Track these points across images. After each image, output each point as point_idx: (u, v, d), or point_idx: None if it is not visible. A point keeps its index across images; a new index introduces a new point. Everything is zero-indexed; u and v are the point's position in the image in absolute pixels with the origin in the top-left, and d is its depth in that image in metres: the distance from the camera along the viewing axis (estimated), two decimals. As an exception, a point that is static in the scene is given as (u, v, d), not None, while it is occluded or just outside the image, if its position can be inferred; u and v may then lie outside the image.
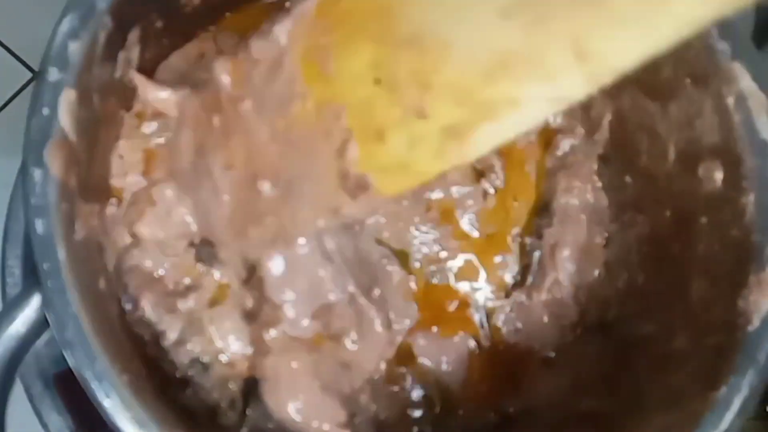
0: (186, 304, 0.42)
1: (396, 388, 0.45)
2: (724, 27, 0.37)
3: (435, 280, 0.47)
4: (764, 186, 0.37)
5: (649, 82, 0.41)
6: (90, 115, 0.36)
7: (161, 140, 0.43)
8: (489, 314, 0.47)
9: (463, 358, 0.46)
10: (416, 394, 0.46)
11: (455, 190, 0.48)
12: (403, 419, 0.45)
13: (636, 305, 0.45)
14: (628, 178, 0.46)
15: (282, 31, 0.39)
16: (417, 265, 0.47)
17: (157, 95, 0.42)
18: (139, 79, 0.42)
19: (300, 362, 0.42)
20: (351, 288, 0.43)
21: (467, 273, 0.47)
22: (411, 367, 0.46)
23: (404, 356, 0.46)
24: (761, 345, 0.36)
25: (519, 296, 0.47)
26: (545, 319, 0.47)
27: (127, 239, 0.42)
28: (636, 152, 0.45)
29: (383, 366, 0.45)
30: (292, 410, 0.41)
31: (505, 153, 0.48)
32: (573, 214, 0.47)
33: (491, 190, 0.48)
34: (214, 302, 0.43)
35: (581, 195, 0.47)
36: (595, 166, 0.48)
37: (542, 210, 0.48)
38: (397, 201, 0.45)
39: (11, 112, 0.75)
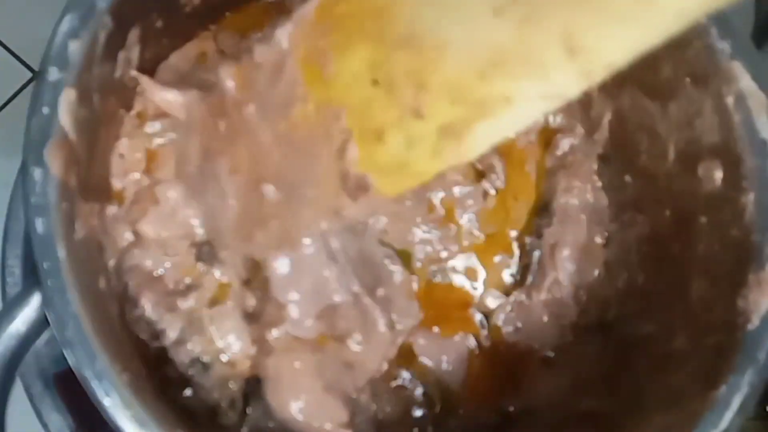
0: (186, 304, 0.42)
1: (396, 388, 0.45)
2: (724, 26, 0.37)
3: (436, 280, 0.47)
4: (764, 186, 0.37)
5: (649, 82, 0.41)
6: (90, 115, 0.36)
7: (162, 140, 0.43)
8: (489, 314, 0.47)
9: (463, 358, 0.46)
10: (416, 393, 0.46)
11: (457, 191, 0.48)
12: (403, 419, 0.45)
13: (636, 305, 0.45)
14: (627, 178, 0.46)
15: (283, 34, 0.39)
16: (419, 265, 0.47)
17: (164, 97, 0.42)
18: (145, 81, 0.42)
19: (303, 362, 0.42)
20: (355, 288, 0.43)
21: (468, 273, 0.48)
22: (411, 367, 0.46)
23: (404, 356, 0.46)
24: (761, 344, 0.36)
25: (519, 296, 0.47)
26: (545, 318, 0.47)
27: (128, 238, 0.42)
28: (636, 152, 0.45)
29: (385, 366, 0.45)
30: (294, 410, 0.41)
31: (506, 153, 0.48)
32: (573, 214, 0.47)
33: (492, 191, 0.48)
34: (214, 302, 0.43)
35: (581, 195, 0.47)
36: (595, 166, 0.48)
37: (542, 210, 0.48)
38: (399, 201, 0.46)
39: (11, 112, 0.75)
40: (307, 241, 0.42)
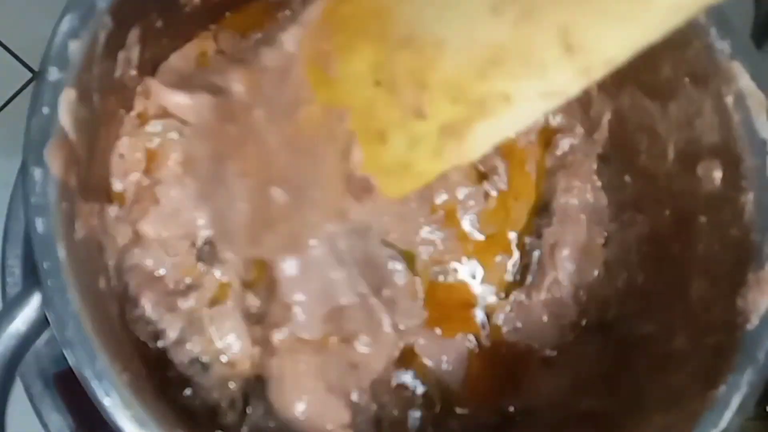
0: (186, 304, 0.42)
1: (397, 388, 0.45)
2: (724, 26, 0.38)
3: (439, 281, 0.47)
4: (763, 185, 0.37)
5: (649, 82, 0.41)
6: (90, 115, 0.36)
7: (165, 139, 0.44)
8: (489, 314, 0.47)
9: (463, 358, 0.46)
10: (417, 393, 0.46)
11: (459, 192, 0.48)
12: (404, 418, 0.45)
13: (635, 305, 0.45)
14: (627, 178, 0.46)
15: (290, 38, 0.40)
16: (422, 266, 0.47)
17: (173, 100, 0.42)
18: (154, 85, 0.42)
19: (306, 363, 0.42)
20: (362, 289, 0.43)
21: (469, 273, 0.48)
22: (412, 367, 0.46)
23: (405, 356, 0.46)
24: (760, 344, 0.36)
25: (519, 295, 0.47)
26: (545, 318, 0.47)
27: (129, 238, 0.42)
28: (635, 152, 0.45)
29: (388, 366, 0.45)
30: (297, 410, 0.41)
31: (508, 154, 0.48)
32: (573, 214, 0.47)
33: (494, 193, 0.48)
34: (214, 301, 0.43)
35: (581, 194, 0.47)
36: (595, 166, 0.48)
37: (542, 209, 0.48)
38: (403, 203, 0.46)
39: (11, 112, 0.75)
40: (313, 242, 0.42)
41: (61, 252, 0.33)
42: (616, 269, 0.46)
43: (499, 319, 0.47)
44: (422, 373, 0.46)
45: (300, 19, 0.40)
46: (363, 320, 0.43)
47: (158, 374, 0.42)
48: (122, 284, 0.41)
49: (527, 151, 0.49)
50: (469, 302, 0.47)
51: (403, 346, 0.45)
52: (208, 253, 0.43)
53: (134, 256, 0.42)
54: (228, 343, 0.43)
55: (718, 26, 0.38)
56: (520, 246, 0.48)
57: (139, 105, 0.43)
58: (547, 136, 0.49)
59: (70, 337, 0.32)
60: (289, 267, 0.42)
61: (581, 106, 0.47)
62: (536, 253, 0.48)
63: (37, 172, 0.33)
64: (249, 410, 0.43)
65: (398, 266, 0.46)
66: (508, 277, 0.48)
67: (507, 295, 0.47)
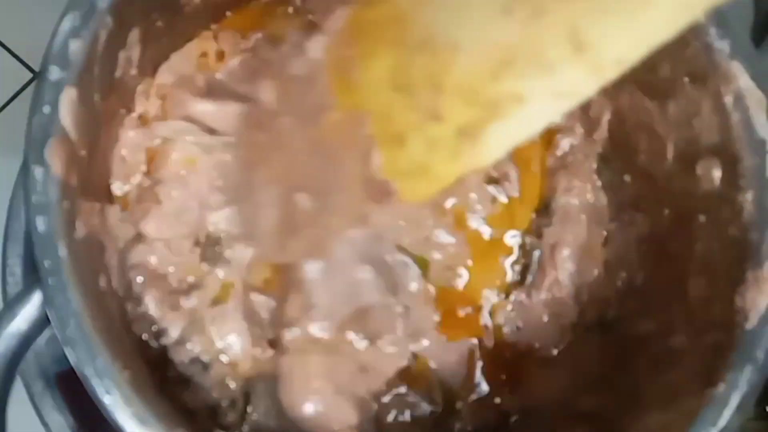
0: (189, 303, 0.43)
1: (399, 388, 0.45)
2: (723, 26, 0.38)
3: (450, 286, 0.47)
4: (762, 184, 0.37)
5: (648, 81, 0.41)
6: (91, 114, 0.36)
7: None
8: (492, 314, 0.47)
9: (465, 358, 0.46)
10: (419, 393, 0.46)
11: (469, 196, 0.48)
12: (405, 418, 0.45)
13: (635, 304, 0.45)
14: (627, 177, 0.46)
15: (316, 46, 0.40)
16: (434, 270, 0.47)
17: (201, 108, 0.43)
18: (182, 93, 0.42)
19: (316, 364, 0.42)
20: (380, 292, 0.44)
21: (480, 276, 0.48)
22: (415, 367, 0.46)
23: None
24: (759, 342, 0.36)
25: (519, 295, 0.47)
26: (545, 318, 0.47)
27: (131, 236, 0.42)
28: (635, 151, 0.45)
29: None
30: (306, 410, 0.42)
31: (518, 157, 0.48)
32: (573, 214, 0.47)
33: (504, 199, 0.48)
34: (216, 301, 0.44)
35: (581, 194, 0.47)
36: (595, 165, 0.48)
37: (542, 209, 0.48)
38: (415, 207, 0.46)
39: (11, 113, 0.75)
40: (336, 247, 0.43)
41: (62, 251, 0.33)
42: (616, 269, 0.46)
43: (501, 318, 0.47)
44: (425, 374, 0.46)
45: (325, 28, 0.40)
46: (383, 322, 0.44)
47: (158, 373, 0.42)
48: (125, 282, 0.41)
49: (531, 152, 0.49)
50: (478, 306, 0.47)
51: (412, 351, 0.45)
52: (212, 253, 0.44)
53: (138, 254, 0.42)
54: (228, 343, 0.43)
55: (718, 26, 0.38)
56: (521, 246, 0.48)
57: (140, 106, 0.44)
58: (547, 136, 0.49)
59: (71, 335, 0.32)
60: (313, 269, 0.43)
61: (581, 106, 0.47)
62: (536, 253, 0.48)
63: (38, 171, 0.33)
64: (249, 410, 0.43)
65: (411, 270, 0.46)
66: (509, 277, 0.48)
67: (507, 295, 0.47)
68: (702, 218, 0.40)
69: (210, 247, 0.44)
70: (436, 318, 0.46)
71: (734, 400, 0.35)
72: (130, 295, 0.42)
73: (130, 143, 0.43)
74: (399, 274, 0.46)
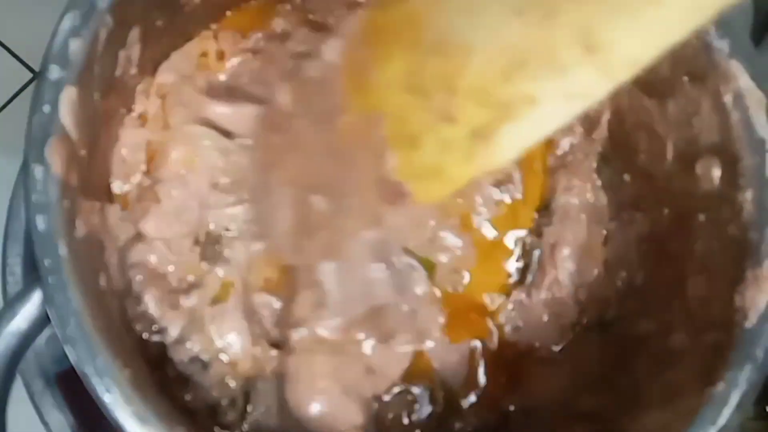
0: (189, 302, 0.43)
1: (400, 388, 0.45)
2: (723, 25, 0.38)
3: (455, 287, 0.47)
4: (761, 183, 0.37)
5: (647, 80, 0.41)
6: (91, 113, 0.36)
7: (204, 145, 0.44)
8: (494, 315, 0.47)
9: (466, 358, 0.46)
10: (420, 393, 0.46)
11: (475, 198, 0.48)
12: (407, 418, 0.45)
13: (635, 303, 0.45)
14: (626, 177, 0.46)
15: (332, 49, 0.41)
16: (440, 272, 0.47)
17: (218, 111, 0.43)
18: (197, 97, 0.42)
19: (323, 364, 0.42)
20: (393, 291, 0.44)
21: (483, 278, 0.48)
22: (417, 367, 0.46)
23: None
24: (758, 341, 0.36)
25: (519, 295, 0.47)
26: (545, 317, 0.47)
27: (131, 235, 0.42)
28: (635, 151, 0.45)
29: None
30: (312, 410, 0.42)
31: (522, 162, 0.49)
32: (573, 213, 0.47)
33: (508, 200, 0.48)
34: (216, 300, 0.44)
35: (581, 194, 0.47)
36: (595, 165, 0.48)
37: (542, 209, 0.49)
38: (423, 210, 0.46)
39: (12, 113, 0.75)
40: (351, 248, 0.43)
41: (62, 249, 0.33)
42: (616, 268, 0.46)
43: (502, 318, 0.47)
44: (427, 374, 0.46)
45: (340, 31, 0.41)
46: (401, 320, 0.44)
47: (158, 372, 0.42)
48: (125, 281, 0.41)
49: (533, 151, 0.49)
50: (484, 309, 0.47)
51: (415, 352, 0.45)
52: (212, 252, 0.44)
53: (138, 253, 0.42)
54: (228, 342, 0.43)
55: (717, 25, 0.38)
56: (521, 246, 0.48)
57: (140, 105, 0.44)
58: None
59: (71, 334, 0.32)
60: (326, 269, 0.43)
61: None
62: (536, 253, 0.48)
63: (38, 170, 0.33)
64: (249, 409, 0.43)
65: (417, 273, 0.46)
66: (509, 277, 0.48)
67: (508, 295, 0.47)
68: (702, 217, 0.40)
69: (210, 246, 0.44)
70: (442, 320, 0.46)
71: (734, 399, 0.35)
72: (129, 294, 0.42)
73: (130, 141, 0.43)
74: (406, 276, 0.46)
